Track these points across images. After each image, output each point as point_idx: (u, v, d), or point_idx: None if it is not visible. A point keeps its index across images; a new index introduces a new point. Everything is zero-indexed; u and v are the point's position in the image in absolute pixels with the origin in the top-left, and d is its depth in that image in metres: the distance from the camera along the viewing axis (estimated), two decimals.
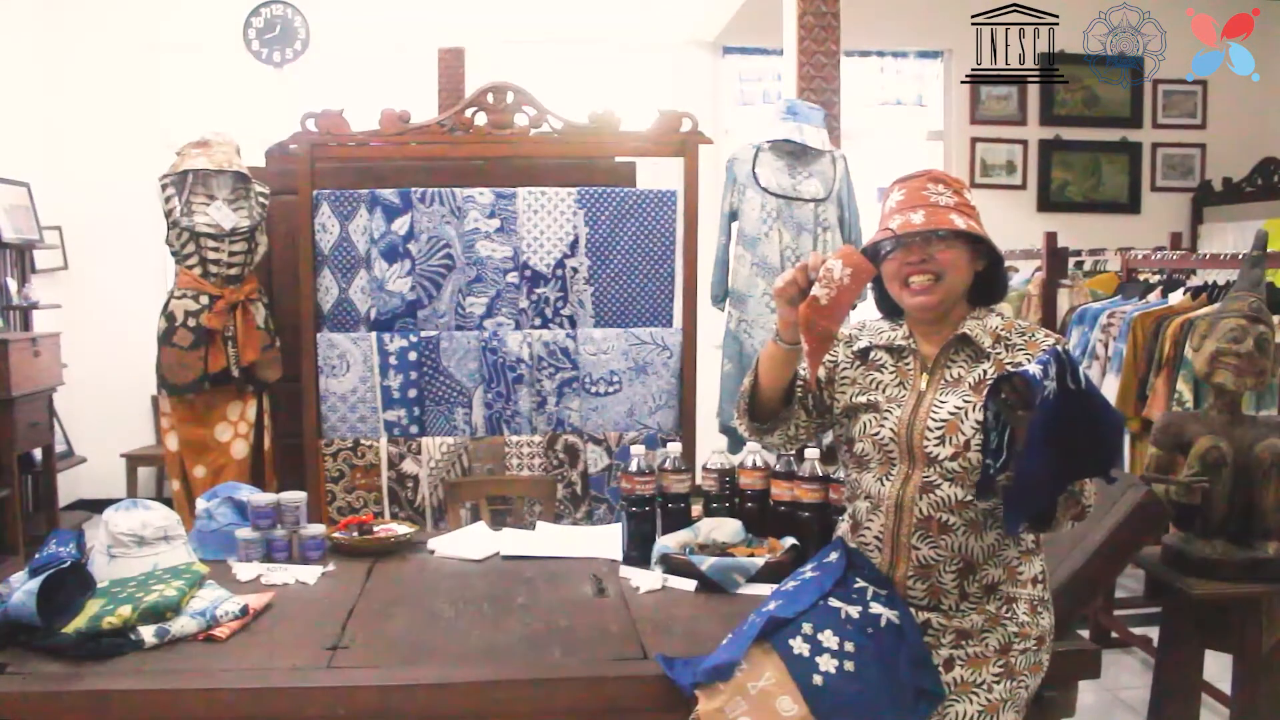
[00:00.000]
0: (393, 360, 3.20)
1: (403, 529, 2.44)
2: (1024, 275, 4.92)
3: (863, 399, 1.77)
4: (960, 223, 1.68)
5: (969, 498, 1.66)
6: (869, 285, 1.85)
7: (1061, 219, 6.18)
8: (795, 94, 3.95)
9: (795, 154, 3.65)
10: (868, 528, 1.75)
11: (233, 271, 3.39)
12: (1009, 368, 1.67)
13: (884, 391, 1.75)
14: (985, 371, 1.69)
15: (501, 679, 1.66)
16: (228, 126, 3.58)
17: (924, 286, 1.70)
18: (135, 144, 5.34)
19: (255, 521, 2.25)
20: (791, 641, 1.62)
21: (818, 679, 1.59)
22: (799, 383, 1.82)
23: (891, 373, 1.77)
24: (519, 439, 3.23)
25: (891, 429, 1.71)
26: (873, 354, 1.81)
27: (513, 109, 3.18)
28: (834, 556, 1.76)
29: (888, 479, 1.72)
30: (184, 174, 3.36)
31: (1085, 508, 1.63)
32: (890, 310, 1.84)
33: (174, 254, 3.41)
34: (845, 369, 1.82)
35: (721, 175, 3.74)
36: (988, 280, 1.76)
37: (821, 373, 1.84)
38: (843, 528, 1.84)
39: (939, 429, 1.67)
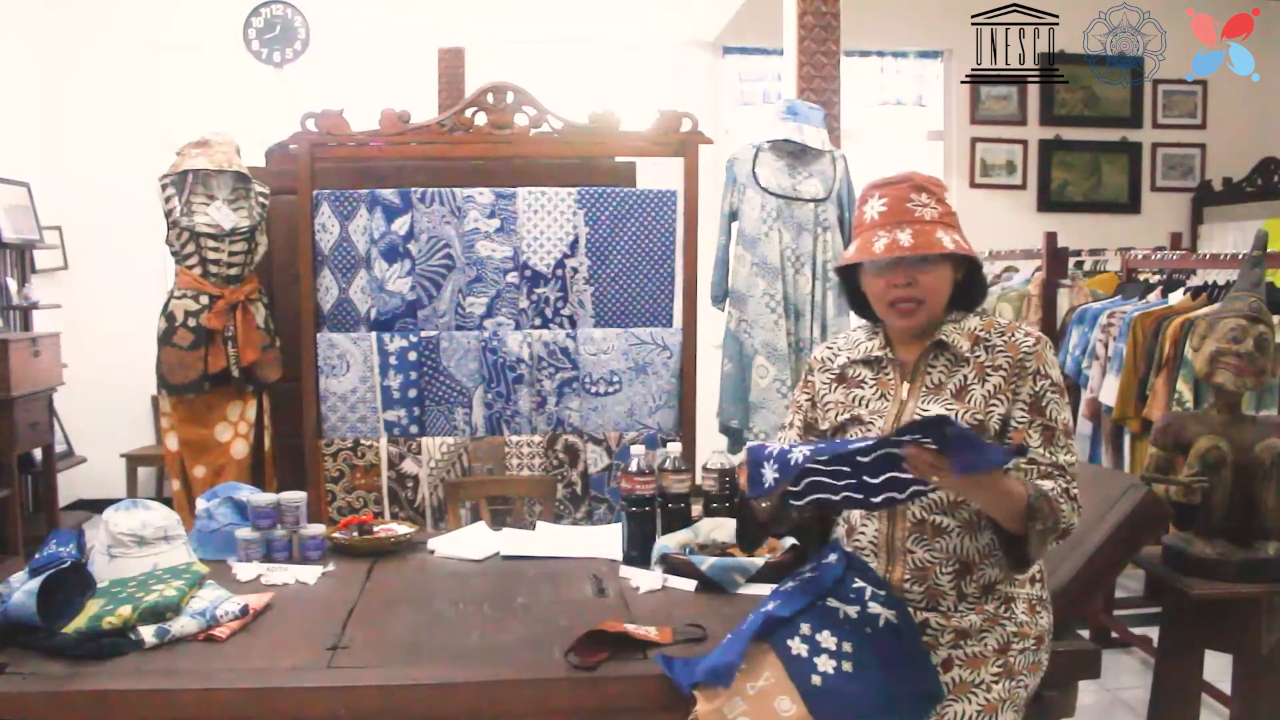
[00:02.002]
0: (393, 360, 3.20)
1: (403, 529, 2.44)
2: (1024, 275, 4.91)
3: (846, 416, 1.76)
4: (948, 242, 1.65)
5: (959, 498, 1.66)
6: (842, 292, 1.87)
7: (1061, 219, 6.18)
8: (795, 94, 3.95)
9: (795, 154, 3.65)
10: (862, 532, 1.75)
11: (233, 271, 3.39)
12: (987, 371, 1.67)
13: (867, 405, 1.75)
14: (965, 376, 1.68)
15: (501, 679, 1.66)
16: (228, 126, 3.58)
17: (909, 310, 1.69)
18: (135, 144, 5.35)
19: (255, 521, 2.25)
20: (790, 642, 1.62)
21: (816, 679, 1.59)
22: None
23: (872, 386, 1.76)
24: (519, 439, 3.23)
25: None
26: (851, 371, 1.80)
27: (513, 109, 3.18)
28: (832, 558, 1.76)
29: None
30: (184, 174, 3.36)
31: (1067, 529, 1.64)
32: (868, 315, 1.83)
33: (174, 254, 3.41)
34: (825, 394, 1.82)
35: (721, 175, 3.74)
36: (966, 286, 1.74)
37: (810, 415, 1.86)
38: (839, 531, 1.84)
39: None
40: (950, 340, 1.71)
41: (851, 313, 3.62)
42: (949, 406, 1.67)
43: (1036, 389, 1.66)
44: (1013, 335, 1.70)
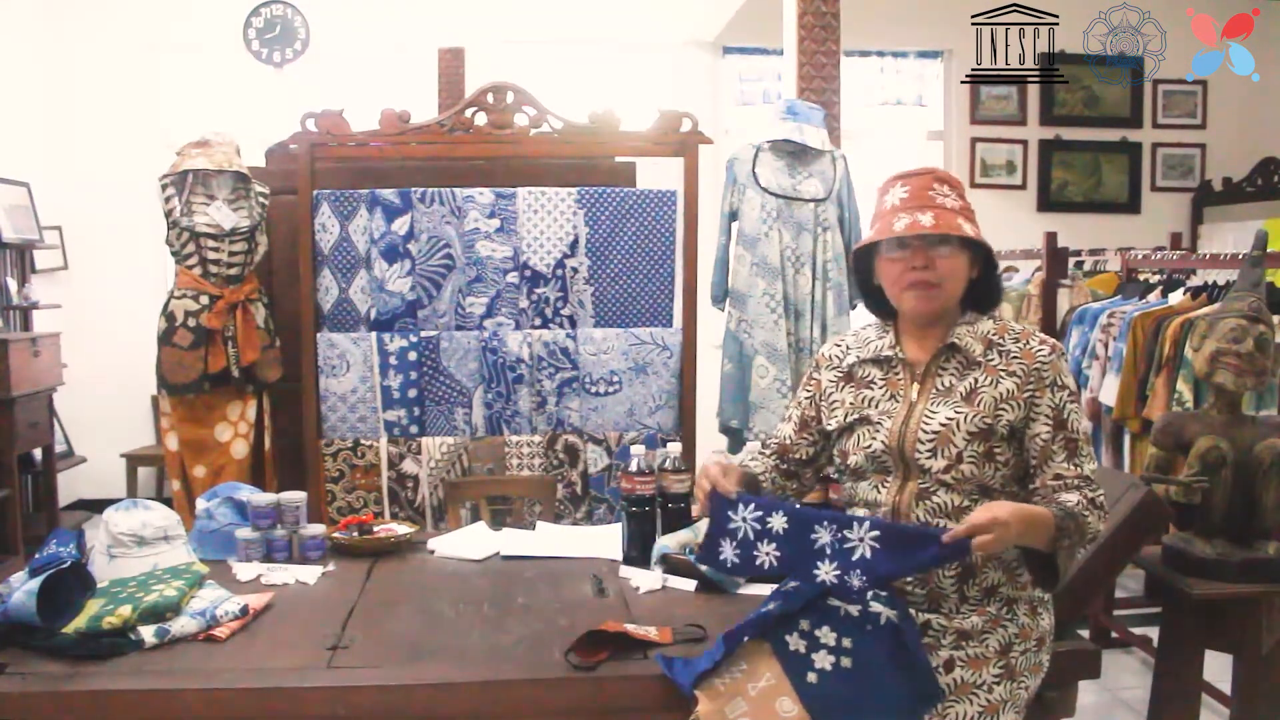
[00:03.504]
0: (393, 360, 3.20)
1: (403, 529, 2.44)
2: (1024, 275, 4.92)
3: (855, 416, 1.76)
4: (969, 229, 1.67)
5: (966, 504, 1.66)
6: (857, 285, 1.88)
7: (1061, 219, 6.18)
8: (795, 94, 3.95)
9: (795, 154, 3.65)
10: None
11: (233, 271, 3.39)
12: (1001, 375, 1.67)
13: (876, 406, 1.74)
14: (976, 380, 1.68)
15: (501, 679, 1.66)
16: (228, 126, 3.58)
17: (925, 292, 1.69)
18: (135, 144, 5.34)
19: (255, 521, 2.25)
20: (788, 638, 1.62)
21: (812, 677, 1.58)
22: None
23: (881, 386, 1.76)
24: (519, 439, 3.23)
25: (883, 441, 1.71)
26: (860, 370, 1.79)
27: (513, 109, 3.18)
28: None
29: (883, 486, 1.72)
30: (184, 174, 3.36)
31: (1094, 536, 1.65)
32: (879, 309, 1.83)
33: (174, 254, 3.41)
34: (832, 392, 1.81)
35: (721, 175, 3.74)
36: (982, 286, 1.74)
37: (810, 411, 1.86)
38: None
39: (930, 441, 1.66)
40: (963, 343, 1.70)
41: (852, 313, 3.66)
42: (958, 410, 1.67)
43: (1057, 401, 1.66)
44: (1028, 343, 1.70)
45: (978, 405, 1.66)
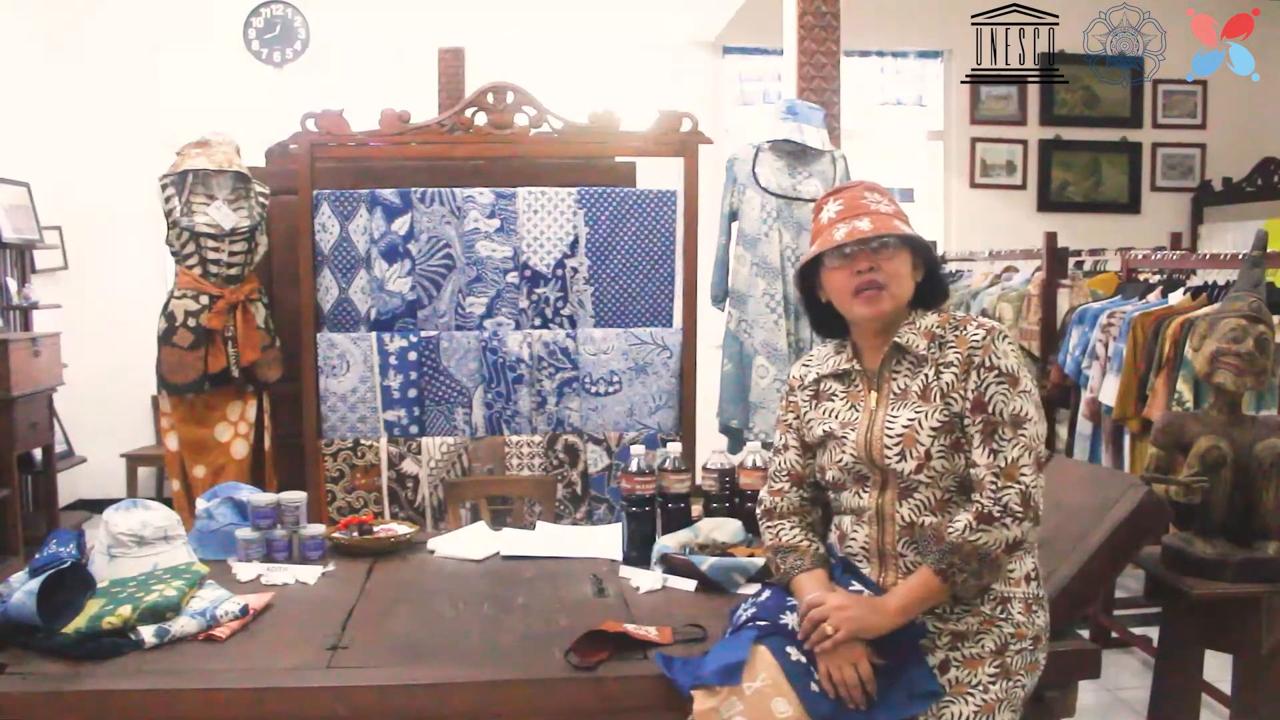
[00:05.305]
0: (393, 360, 3.20)
1: (403, 529, 2.44)
2: (1024, 275, 4.91)
3: (821, 430, 1.77)
4: (906, 230, 1.69)
5: (946, 497, 1.66)
6: (803, 309, 1.89)
7: (1061, 219, 6.18)
8: (795, 94, 3.95)
9: (795, 154, 3.65)
10: (853, 539, 1.75)
11: (233, 271, 3.39)
12: (941, 368, 1.67)
13: (838, 418, 1.75)
14: (927, 376, 1.68)
15: (501, 679, 1.66)
16: (228, 126, 3.58)
17: (873, 297, 1.69)
18: (135, 144, 5.34)
19: (255, 521, 2.25)
20: (789, 649, 1.62)
21: (815, 686, 1.59)
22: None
23: (843, 399, 1.77)
24: (519, 439, 3.23)
25: (852, 453, 1.71)
26: (824, 385, 1.81)
27: (513, 109, 3.18)
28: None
29: (864, 492, 1.72)
30: (184, 174, 3.36)
31: (1014, 543, 1.61)
32: (827, 328, 1.84)
33: (174, 254, 3.41)
34: (807, 410, 1.82)
35: (721, 175, 3.74)
36: (928, 285, 1.76)
37: (800, 433, 1.85)
38: (831, 538, 1.84)
39: (896, 444, 1.66)
40: (905, 342, 1.71)
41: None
42: (917, 410, 1.67)
43: (981, 382, 1.64)
44: (964, 330, 1.69)
45: (934, 401, 1.67)
